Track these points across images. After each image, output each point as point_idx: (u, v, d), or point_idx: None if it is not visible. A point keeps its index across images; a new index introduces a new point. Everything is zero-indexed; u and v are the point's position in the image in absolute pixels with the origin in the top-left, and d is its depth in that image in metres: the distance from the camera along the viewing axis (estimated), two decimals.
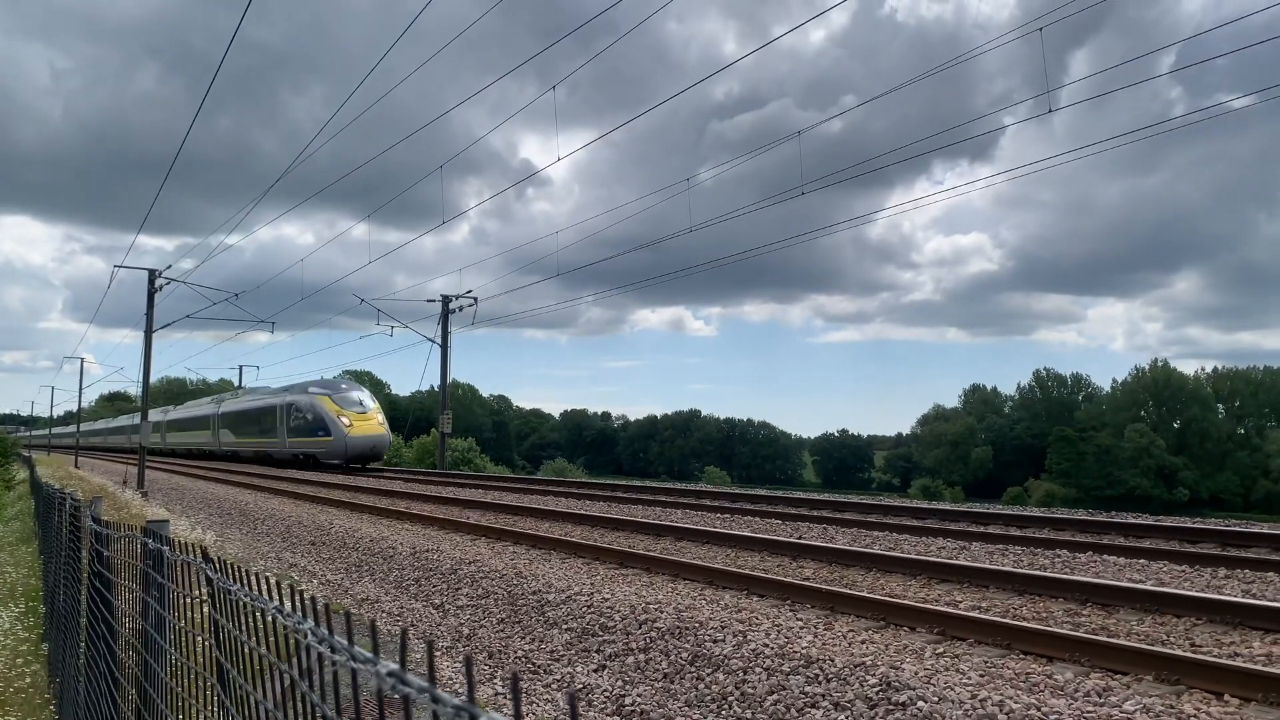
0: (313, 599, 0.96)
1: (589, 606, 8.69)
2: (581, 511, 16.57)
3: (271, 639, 1.32)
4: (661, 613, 8.16)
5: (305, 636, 0.94)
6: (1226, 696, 5.42)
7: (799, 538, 12.20)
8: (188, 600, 2.27)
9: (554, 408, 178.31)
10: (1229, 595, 7.70)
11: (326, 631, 0.88)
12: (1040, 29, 15.43)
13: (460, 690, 6.39)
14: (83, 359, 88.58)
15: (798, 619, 7.84)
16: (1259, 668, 5.74)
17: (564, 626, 8.28)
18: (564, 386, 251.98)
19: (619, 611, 8.35)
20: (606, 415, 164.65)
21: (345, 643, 0.83)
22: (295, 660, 1.16)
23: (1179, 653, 6.12)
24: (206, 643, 1.92)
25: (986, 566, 9.36)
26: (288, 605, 1.07)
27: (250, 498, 24.86)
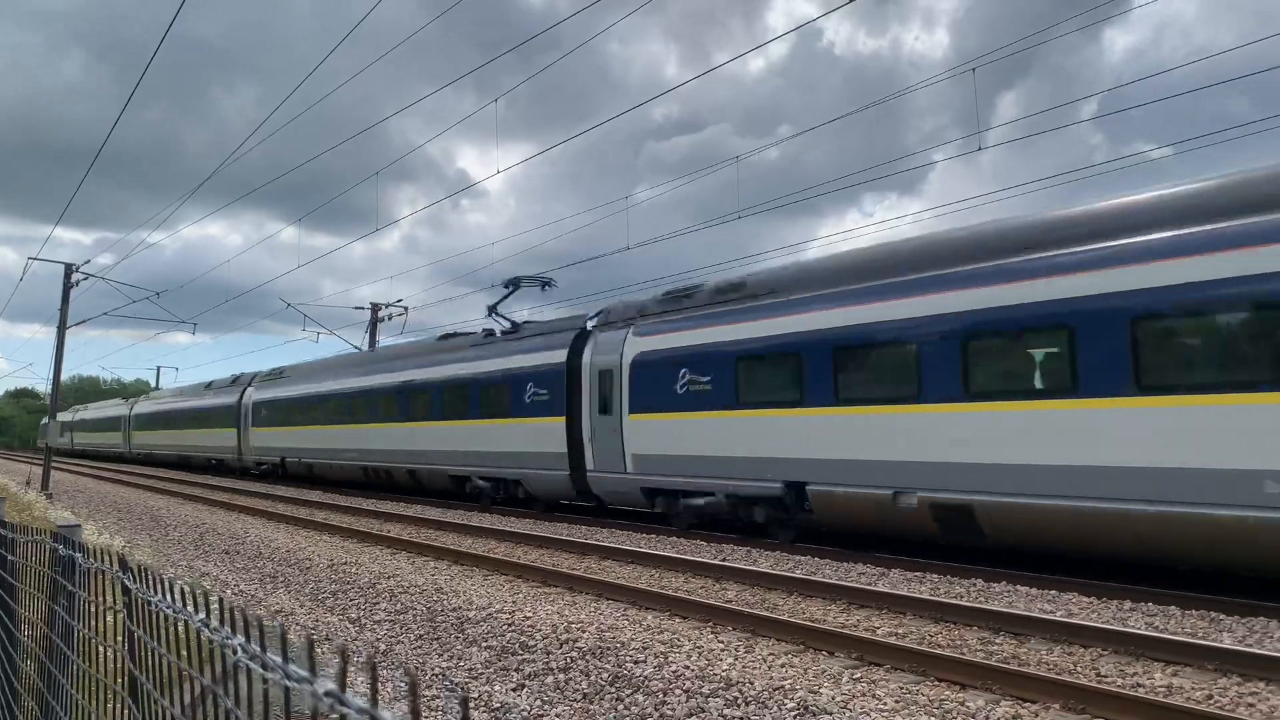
0: (243, 612, 0.94)
1: (510, 625, 8.60)
2: (505, 528, 16.42)
3: (190, 653, 1.28)
4: (583, 632, 8.11)
5: (235, 652, 0.91)
6: None
7: (723, 559, 12.26)
8: (96, 609, 2.18)
9: None
10: (1133, 627, 7.96)
11: (259, 648, 0.86)
12: (973, 69, 15.87)
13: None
14: None
15: (719, 641, 7.87)
16: (1160, 699, 5.95)
17: (483, 644, 8.18)
18: None
19: (540, 630, 8.28)
20: None
21: (279, 660, 0.81)
22: (214, 673, 1.12)
23: (1085, 683, 6.30)
24: (118, 654, 1.85)
25: (904, 593, 9.52)
26: (214, 619, 1.04)
27: (162, 503, 24.09)
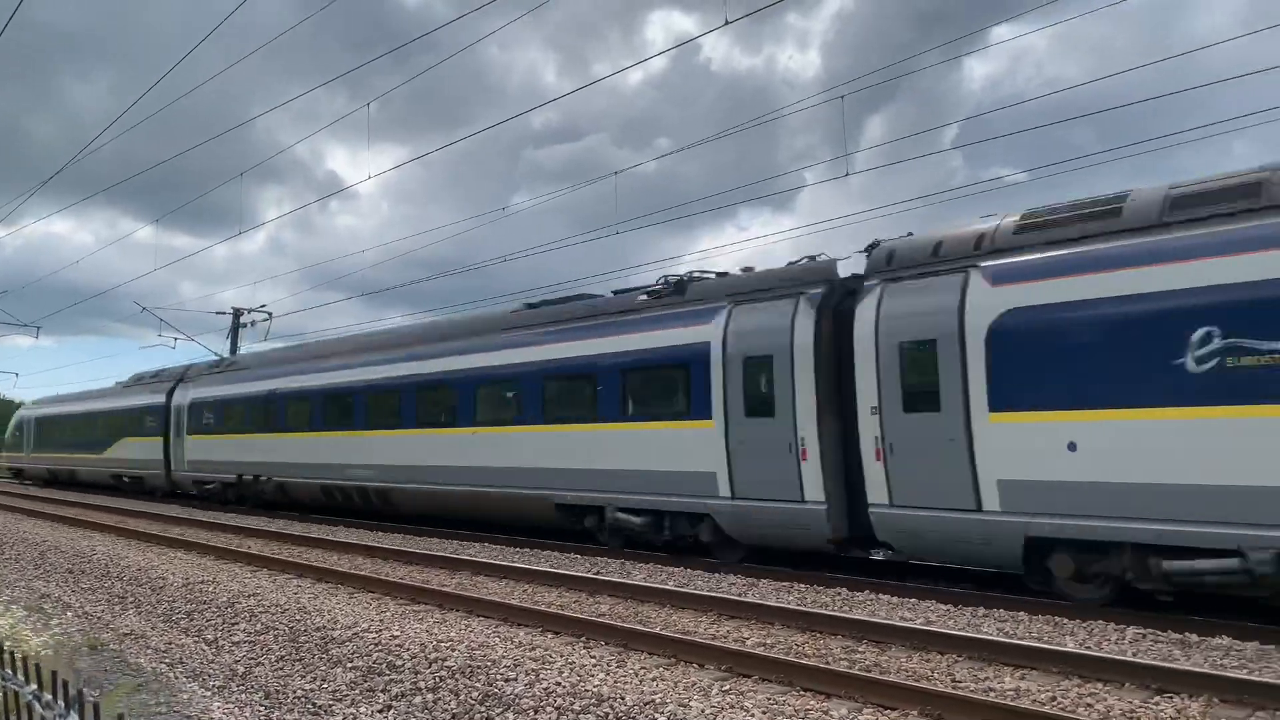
0: (79, 690, 0.87)
1: (377, 644, 8.37)
2: (373, 544, 16.00)
3: (14, 706, 1.19)
4: (453, 650, 7.97)
5: None
6: None
7: (597, 573, 12.25)
8: None
9: None
10: (986, 634, 8.34)
11: None
12: (842, 96, 16.47)
13: None
14: None
15: (592, 656, 7.85)
16: (1009, 702, 6.26)
17: (349, 665, 7.94)
18: None
19: (409, 650, 8.10)
20: None
21: None
22: None
23: (941, 689, 6.57)
24: None
25: (773, 604, 9.73)
26: (47, 691, 0.97)
27: None
